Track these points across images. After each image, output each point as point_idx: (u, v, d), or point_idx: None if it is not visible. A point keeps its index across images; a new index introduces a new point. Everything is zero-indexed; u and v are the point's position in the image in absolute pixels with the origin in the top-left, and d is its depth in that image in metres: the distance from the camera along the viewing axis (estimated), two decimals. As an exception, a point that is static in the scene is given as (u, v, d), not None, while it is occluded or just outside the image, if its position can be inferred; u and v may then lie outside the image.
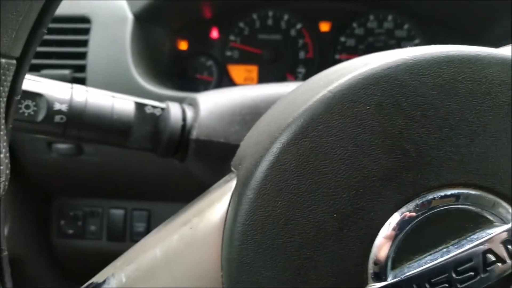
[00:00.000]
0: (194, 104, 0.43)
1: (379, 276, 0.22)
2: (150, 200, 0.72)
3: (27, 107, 0.36)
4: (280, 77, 0.79)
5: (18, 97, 0.22)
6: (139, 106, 0.41)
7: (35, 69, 0.63)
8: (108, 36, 0.64)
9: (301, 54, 0.78)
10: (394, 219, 0.22)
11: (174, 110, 0.42)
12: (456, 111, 0.23)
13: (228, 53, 0.79)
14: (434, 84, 0.23)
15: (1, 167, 0.21)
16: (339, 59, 0.78)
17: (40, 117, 0.36)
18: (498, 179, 0.23)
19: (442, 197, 0.23)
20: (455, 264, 0.22)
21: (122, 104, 0.40)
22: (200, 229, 0.26)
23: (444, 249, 0.23)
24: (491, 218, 0.23)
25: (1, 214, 0.23)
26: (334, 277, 0.22)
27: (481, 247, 0.22)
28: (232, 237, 0.23)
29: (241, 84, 0.78)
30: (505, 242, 0.22)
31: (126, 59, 0.63)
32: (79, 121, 0.38)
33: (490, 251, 0.22)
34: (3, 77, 0.20)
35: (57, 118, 0.37)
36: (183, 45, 0.78)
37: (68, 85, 0.38)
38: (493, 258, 0.22)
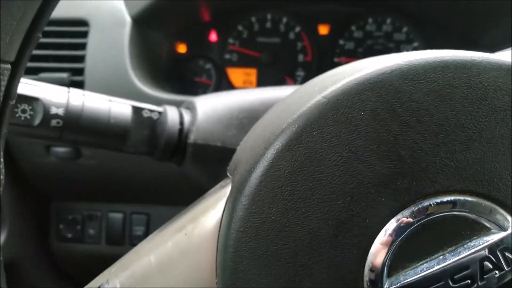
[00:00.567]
0: (191, 108, 0.43)
1: (375, 283, 0.22)
2: (149, 203, 0.72)
3: (24, 111, 0.36)
4: (279, 80, 0.78)
5: (13, 102, 0.22)
6: (136, 110, 0.40)
7: (33, 72, 0.63)
8: (106, 39, 0.64)
9: (300, 57, 0.78)
10: (390, 226, 0.22)
11: (172, 114, 0.42)
12: (452, 117, 0.23)
13: (227, 56, 0.79)
14: (429, 90, 0.23)
15: None
16: (338, 62, 0.78)
17: (37, 121, 0.36)
18: (494, 186, 0.23)
19: (438, 203, 0.22)
20: (452, 272, 0.22)
21: (119, 108, 0.40)
22: (194, 235, 0.25)
23: (441, 257, 0.22)
24: (488, 225, 0.23)
25: None
26: (329, 284, 0.22)
27: (478, 254, 0.22)
28: (226, 244, 0.23)
29: (240, 87, 0.78)
30: (502, 250, 0.22)
31: (124, 62, 0.63)
32: (76, 125, 0.37)
33: (488, 258, 0.22)
34: None
35: (54, 122, 0.37)
36: (181, 48, 0.78)
37: (65, 89, 0.38)
38: (491, 266, 0.22)
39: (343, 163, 0.22)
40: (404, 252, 0.22)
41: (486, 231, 0.23)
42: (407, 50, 0.77)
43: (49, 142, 0.62)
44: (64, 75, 0.62)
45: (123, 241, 0.72)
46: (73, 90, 0.38)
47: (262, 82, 0.78)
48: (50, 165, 0.66)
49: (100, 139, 0.39)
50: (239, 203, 0.23)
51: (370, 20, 0.78)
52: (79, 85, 0.63)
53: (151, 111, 0.41)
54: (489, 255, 0.22)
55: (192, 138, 0.40)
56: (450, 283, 0.22)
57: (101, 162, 0.65)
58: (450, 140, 0.22)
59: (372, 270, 0.22)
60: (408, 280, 0.22)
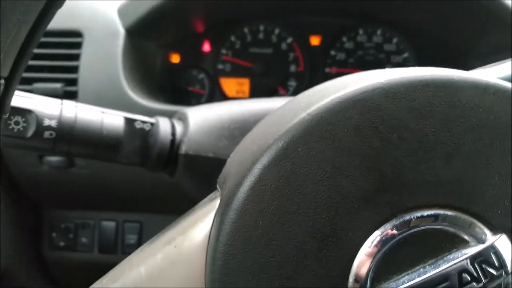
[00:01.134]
0: (183, 119, 0.44)
1: None
2: (142, 212, 0.72)
3: (17, 123, 0.36)
4: (272, 90, 0.79)
5: (6, 115, 0.23)
6: (129, 121, 0.41)
7: (27, 82, 0.63)
8: (100, 50, 0.64)
9: (292, 68, 0.79)
10: (373, 238, 0.23)
11: (164, 125, 0.42)
12: (431, 134, 0.23)
13: (220, 66, 0.79)
14: (410, 108, 0.23)
15: None
16: (329, 72, 0.79)
17: (30, 133, 0.37)
18: (473, 200, 0.23)
19: (418, 217, 0.23)
20: (432, 284, 0.22)
21: (112, 120, 0.40)
22: (184, 248, 0.26)
23: (421, 269, 0.23)
24: (467, 238, 0.23)
25: None
26: None
27: (457, 266, 0.22)
28: (215, 257, 0.23)
29: (233, 97, 0.79)
30: (480, 262, 0.23)
31: (118, 73, 0.63)
32: (69, 137, 0.38)
33: (466, 271, 0.22)
34: None
35: (47, 134, 0.37)
36: (175, 58, 0.78)
37: (58, 101, 0.39)
38: (469, 278, 0.22)
39: (327, 178, 0.23)
40: (386, 264, 0.23)
41: (465, 244, 0.23)
42: (398, 61, 0.79)
43: (42, 153, 0.62)
44: (58, 85, 0.63)
45: (115, 249, 0.72)
46: (66, 102, 0.39)
47: (255, 92, 0.79)
48: (43, 174, 0.66)
49: (93, 150, 0.40)
50: (227, 217, 0.23)
51: (361, 31, 0.79)
52: (73, 95, 0.63)
53: (144, 122, 0.42)
54: (468, 268, 0.22)
55: (183, 149, 0.41)
56: None
57: (94, 171, 0.65)
58: (430, 156, 0.23)
59: (356, 280, 0.23)
60: None
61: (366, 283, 0.23)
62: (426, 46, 0.78)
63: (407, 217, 0.23)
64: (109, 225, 0.73)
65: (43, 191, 0.71)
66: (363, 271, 0.23)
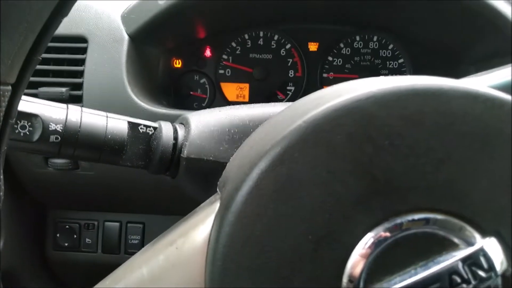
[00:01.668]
0: (185, 124, 0.44)
1: None
2: (145, 213, 0.73)
3: (23, 127, 0.37)
4: (271, 95, 0.80)
5: (13, 121, 0.23)
6: (133, 126, 0.41)
7: (33, 86, 0.63)
8: (104, 55, 0.65)
9: (291, 73, 0.80)
10: (366, 241, 0.23)
11: (166, 129, 0.42)
12: (422, 140, 0.24)
13: (221, 71, 0.80)
14: (401, 115, 0.24)
15: None
16: (326, 77, 0.80)
17: (35, 137, 0.37)
18: (463, 204, 0.24)
19: (410, 221, 0.24)
20: (423, 285, 0.23)
21: (116, 124, 0.41)
22: (185, 249, 0.27)
23: (413, 270, 0.23)
24: (457, 241, 0.24)
25: None
26: None
27: (448, 268, 0.23)
28: (214, 258, 0.24)
29: (233, 101, 0.80)
30: (470, 264, 0.23)
31: (122, 77, 0.63)
32: (74, 141, 0.38)
33: (456, 272, 0.23)
34: None
35: (52, 138, 0.37)
36: (177, 63, 0.79)
37: (63, 105, 0.39)
38: (459, 280, 0.23)
39: (322, 182, 0.23)
40: (379, 266, 0.23)
41: (455, 247, 0.24)
42: (393, 66, 0.80)
43: (47, 156, 0.63)
44: (63, 89, 0.63)
45: (119, 249, 0.73)
46: (71, 107, 0.39)
47: (255, 96, 0.80)
48: (48, 175, 0.67)
49: (97, 154, 0.40)
50: (226, 220, 0.24)
51: (357, 38, 0.79)
52: (78, 99, 0.64)
53: (147, 126, 0.42)
54: (458, 270, 0.23)
55: (185, 152, 0.41)
56: None
57: (98, 173, 0.66)
58: (420, 162, 0.24)
59: (350, 281, 0.23)
60: None
61: (359, 283, 0.23)
62: (421, 52, 0.78)
63: (398, 221, 0.23)
64: (113, 225, 0.73)
65: (48, 192, 0.71)
66: (357, 272, 0.23)
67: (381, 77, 0.27)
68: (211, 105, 0.80)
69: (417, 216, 0.24)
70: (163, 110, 0.63)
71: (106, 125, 0.40)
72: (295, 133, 0.24)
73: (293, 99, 0.80)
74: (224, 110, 0.46)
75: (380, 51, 0.79)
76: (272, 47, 0.80)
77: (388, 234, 0.23)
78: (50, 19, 0.22)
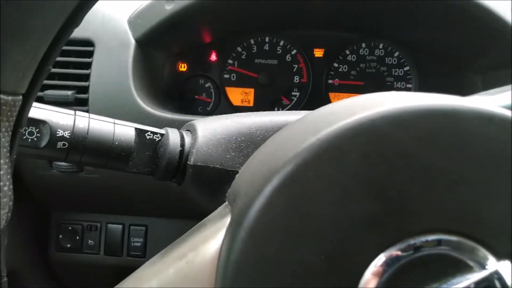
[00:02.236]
0: (192, 131, 0.44)
1: None
2: (148, 215, 0.73)
3: (31, 133, 0.37)
4: (276, 100, 0.80)
5: (23, 129, 0.23)
6: (140, 133, 0.42)
7: (39, 89, 0.64)
8: (110, 59, 0.65)
9: (296, 79, 0.80)
10: (379, 261, 0.23)
11: (173, 136, 0.43)
12: (437, 162, 0.23)
13: (226, 76, 0.80)
14: (416, 136, 0.24)
15: (4, 199, 0.22)
16: (332, 83, 0.80)
17: (43, 143, 0.37)
18: (477, 226, 0.23)
19: (423, 242, 0.23)
20: None
21: (123, 131, 0.41)
22: (195, 264, 0.26)
23: None
24: (470, 263, 0.24)
25: (2, 244, 0.23)
26: None
27: None
28: (225, 274, 0.24)
29: (238, 106, 0.80)
30: None
31: (128, 81, 0.64)
32: (81, 147, 0.38)
33: None
34: (9, 113, 0.21)
35: (60, 144, 0.38)
36: (182, 67, 0.79)
37: (71, 112, 0.39)
38: None
39: (335, 202, 0.23)
40: (391, 287, 0.23)
41: (469, 269, 0.23)
42: (399, 74, 0.80)
43: (54, 161, 0.63)
44: (69, 92, 0.63)
45: (121, 252, 0.73)
46: (79, 113, 0.40)
47: (260, 101, 0.80)
48: (52, 178, 0.67)
49: (104, 160, 0.40)
50: (238, 236, 0.24)
51: (363, 45, 0.80)
52: (83, 102, 0.64)
53: (154, 133, 0.42)
54: None
55: (192, 160, 0.41)
56: None
57: (102, 176, 0.66)
58: (435, 183, 0.23)
59: None
60: None
61: None
62: (427, 60, 0.78)
63: (412, 241, 0.23)
64: (116, 228, 0.73)
65: (52, 194, 0.71)
66: None
67: (393, 92, 0.27)
68: (216, 109, 0.80)
69: (430, 237, 0.23)
70: (168, 115, 0.63)
71: (114, 132, 0.40)
72: (308, 151, 0.24)
73: (298, 104, 0.80)
74: (231, 117, 0.46)
75: (386, 58, 0.79)
76: (278, 52, 0.80)
77: (401, 254, 0.23)
78: (62, 29, 0.22)
